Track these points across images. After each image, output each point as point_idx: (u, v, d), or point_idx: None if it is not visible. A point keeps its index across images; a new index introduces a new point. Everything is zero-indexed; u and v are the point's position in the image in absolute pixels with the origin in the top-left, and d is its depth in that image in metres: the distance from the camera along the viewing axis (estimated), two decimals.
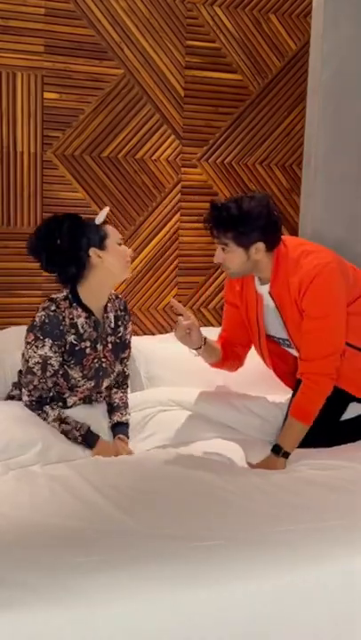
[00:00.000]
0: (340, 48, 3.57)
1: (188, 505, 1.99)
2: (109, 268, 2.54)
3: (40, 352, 2.48)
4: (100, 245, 2.52)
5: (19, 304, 3.30)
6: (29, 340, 2.51)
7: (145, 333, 3.51)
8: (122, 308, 2.73)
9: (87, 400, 2.66)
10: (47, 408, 2.51)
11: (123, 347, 2.72)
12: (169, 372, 3.02)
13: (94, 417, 2.62)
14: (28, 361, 2.50)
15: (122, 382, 2.77)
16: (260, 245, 2.50)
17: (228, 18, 3.46)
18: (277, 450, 2.47)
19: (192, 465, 2.34)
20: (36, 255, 2.54)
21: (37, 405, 2.52)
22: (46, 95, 3.22)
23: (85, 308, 2.56)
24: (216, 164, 3.58)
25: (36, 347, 2.49)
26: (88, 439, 2.51)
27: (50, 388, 2.53)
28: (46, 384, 2.52)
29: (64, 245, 2.48)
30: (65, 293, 2.56)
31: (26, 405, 2.53)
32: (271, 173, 3.68)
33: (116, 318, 2.69)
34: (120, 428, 2.65)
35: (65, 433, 2.50)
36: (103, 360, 2.61)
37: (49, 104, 3.23)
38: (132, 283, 3.48)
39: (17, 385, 2.72)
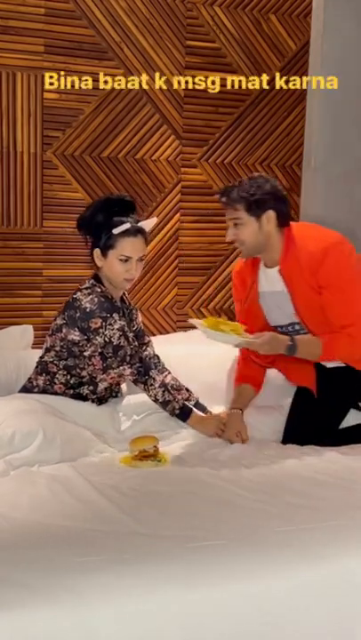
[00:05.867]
0: (340, 48, 3.57)
1: (189, 505, 1.99)
2: (108, 275, 2.59)
3: (117, 326, 2.51)
4: (103, 252, 2.56)
5: (19, 304, 3.30)
6: (96, 327, 2.50)
7: None
8: (128, 301, 2.81)
9: (111, 392, 2.70)
10: (153, 373, 2.57)
11: (141, 334, 2.79)
12: None
13: (103, 417, 2.62)
14: (111, 342, 2.51)
15: (162, 364, 2.78)
16: (272, 214, 2.51)
17: (228, 18, 3.47)
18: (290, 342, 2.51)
19: (192, 465, 2.35)
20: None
21: (143, 373, 2.57)
22: (46, 95, 3.22)
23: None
24: (216, 164, 3.58)
25: (111, 325, 2.51)
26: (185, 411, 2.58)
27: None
28: (136, 348, 2.58)
29: (83, 226, 2.60)
30: (88, 284, 2.59)
31: (134, 379, 2.57)
32: (271, 173, 3.68)
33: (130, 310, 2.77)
34: (200, 407, 2.70)
35: (165, 403, 2.56)
36: (131, 347, 2.64)
37: (49, 104, 3.23)
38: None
39: (39, 373, 2.67)
